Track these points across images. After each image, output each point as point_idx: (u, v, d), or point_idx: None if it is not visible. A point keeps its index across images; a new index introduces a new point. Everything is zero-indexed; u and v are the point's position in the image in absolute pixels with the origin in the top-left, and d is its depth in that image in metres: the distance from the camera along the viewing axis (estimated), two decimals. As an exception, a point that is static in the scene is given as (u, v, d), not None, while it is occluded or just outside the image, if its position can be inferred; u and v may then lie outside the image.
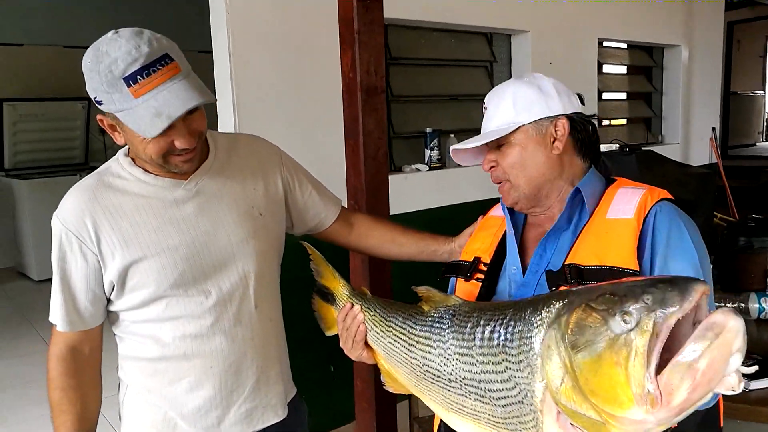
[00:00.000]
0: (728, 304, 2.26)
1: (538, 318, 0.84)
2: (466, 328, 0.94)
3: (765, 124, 9.65)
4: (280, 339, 1.41)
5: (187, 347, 1.25)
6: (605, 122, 4.88)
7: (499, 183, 1.19)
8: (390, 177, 3.13)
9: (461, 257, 1.28)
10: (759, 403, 1.70)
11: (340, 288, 1.27)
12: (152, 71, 1.07)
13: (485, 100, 1.21)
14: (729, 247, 2.62)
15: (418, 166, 3.27)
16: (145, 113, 1.06)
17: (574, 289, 0.87)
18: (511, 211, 1.22)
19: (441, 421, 1.17)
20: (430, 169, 3.28)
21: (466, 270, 1.22)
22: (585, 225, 1.11)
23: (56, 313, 1.22)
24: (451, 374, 0.95)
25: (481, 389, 0.90)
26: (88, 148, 6.24)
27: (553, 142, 1.15)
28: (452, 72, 3.58)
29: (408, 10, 3.08)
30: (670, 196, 1.10)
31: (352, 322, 1.18)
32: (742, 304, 2.26)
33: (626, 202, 1.08)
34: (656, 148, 4.22)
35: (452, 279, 1.27)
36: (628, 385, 0.71)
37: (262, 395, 1.33)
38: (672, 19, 4.86)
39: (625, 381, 0.71)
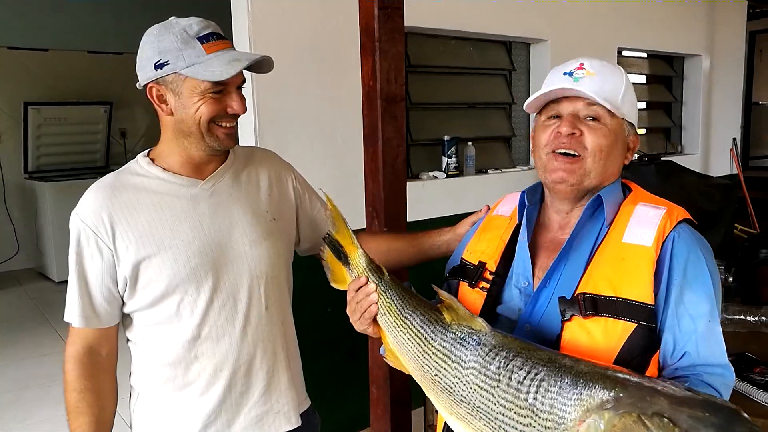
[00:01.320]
0: (749, 317, 2.23)
1: (575, 395, 0.82)
2: (490, 365, 0.92)
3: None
4: (290, 344, 1.42)
5: (198, 349, 1.26)
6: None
7: (563, 154, 1.07)
8: (408, 184, 3.15)
9: (465, 256, 1.23)
10: (780, 418, 1.68)
11: (357, 256, 1.18)
12: (220, 38, 1.21)
13: (586, 61, 1.09)
14: (749, 259, 2.60)
15: (436, 173, 3.27)
16: (218, 62, 1.17)
17: (620, 375, 0.84)
18: (525, 214, 1.15)
19: (445, 425, 1.15)
20: (448, 176, 3.28)
21: (472, 275, 1.17)
22: (600, 244, 1.06)
23: (73, 310, 1.23)
24: (465, 397, 0.94)
25: (496, 423, 0.90)
26: (109, 151, 6.34)
27: (626, 150, 1.13)
28: (471, 80, 3.59)
29: (428, 18, 3.09)
30: (688, 216, 1.06)
31: (364, 298, 1.11)
32: (764, 318, 2.23)
33: (645, 225, 1.03)
34: (676, 159, 4.19)
35: (452, 282, 1.21)
36: None
37: (274, 400, 1.34)
38: (693, 28, 4.83)
39: None
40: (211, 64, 1.17)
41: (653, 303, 0.98)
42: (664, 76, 4.99)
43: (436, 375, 0.99)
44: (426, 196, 3.13)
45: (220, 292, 1.26)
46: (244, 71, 1.23)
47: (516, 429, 0.87)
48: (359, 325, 1.14)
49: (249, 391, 1.31)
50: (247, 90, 2.50)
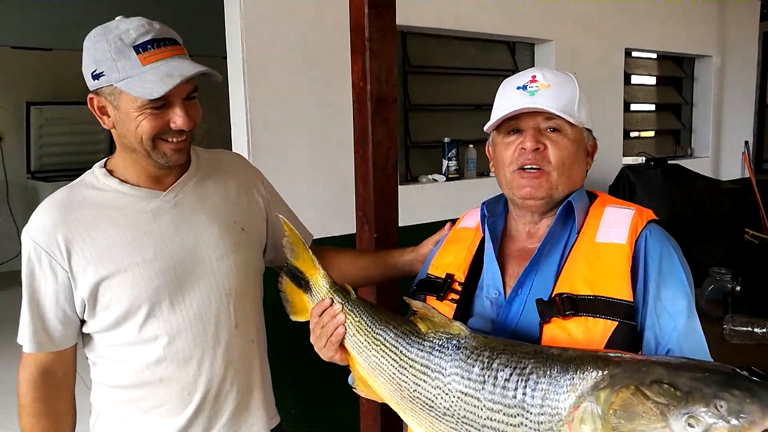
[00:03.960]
0: (756, 329, 2.14)
1: (567, 381, 0.77)
2: (473, 367, 0.87)
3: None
4: (262, 362, 1.34)
5: (163, 372, 1.18)
6: (632, 134, 4.75)
7: (528, 169, 1.06)
8: (406, 187, 3.08)
9: (430, 271, 1.18)
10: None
11: (319, 279, 1.13)
12: (162, 45, 1.09)
13: (539, 73, 1.07)
14: (759, 268, 2.51)
15: (436, 176, 3.20)
16: (153, 77, 1.06)
17: (611, 355, 0.81)
18: (487, 223, 1.13)
19: None
20: (448, 179, 3.21)
21: (439, 288, 1.12)
22: (572, 246, 1.04)
23: (24, 334, 1.16)
24: (447, 409, 0.89)
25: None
26: (112, 151, 6.30)
27: (586, 156, 1.12)
28: (473, 81, 3.51)
29: (428, 18, 3.02)
30: (655, 217, 1.05)
31: (329, 321, 1.06)
32: (772, 329, 2.14)
33: (617, 225, 1.03)
34: (685, 162, 4.09)
35: (419, 297, 1.16)
36: None
37: (242, 421, 1.27)
38: (703, 28, 4.72)
39: None
40: (145, 79, 1.07)
41: (632, 300, 0.96)
42: (674, 77, 4.89)
43: (415, 390, 0.93)
44: (425, 200, 3.06)
45: (185, 312, 1.18)
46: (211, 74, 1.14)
47: (507, 431, 0.81)
48: (325, 352, 1.08)
49: (218, 414, 1.24)
50: (239, 88, 2.46)
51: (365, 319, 1.03)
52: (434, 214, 3.06)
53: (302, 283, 1.15)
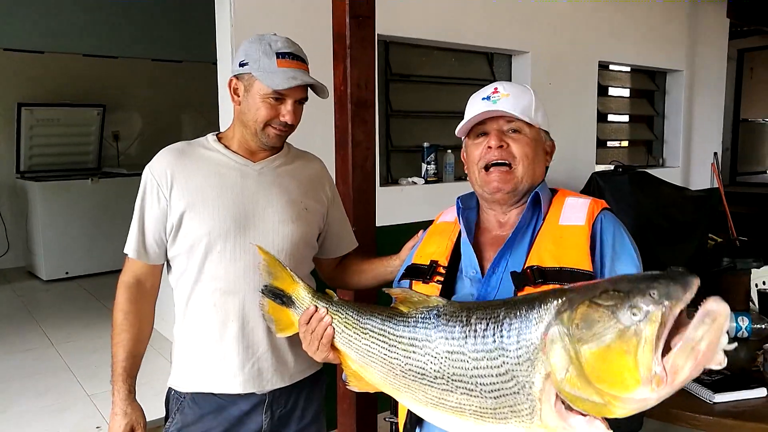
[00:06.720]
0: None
1: (535, 315, 0.90)
2: (455, 327, 0.97)
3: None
4: None
5: (217, 299, 1.46)
6: (609, 144, 4.95)
7: (494, 165, 1.22)
8: (386, 188, 3.21)
9: (415, 260, 1.32)
10: (722, 416, 1.75)
11: (300, 291, 1.29)
12: (295, 59, 1.47)
13: (500, 85, 1.26)
14: (712, 266, 2.67)
15: (415, 179, 3.35)
16: (282, 75, 1.42)
17: (565, 287, 0.95)
18: (462, 215, 1.28)
19: (408, 413, 1.22)
20: (427, 182, 3.36)
21: (426, 273, 1.26)
22: (539, 230, 1.20)
23: (130, 243, 1.48)
24: (437, 372, 0.99)
25: (471, 384, 0.95)
26: (101, 153, 6.39)
27: (545, 154, 1.29)
28: (452, 90, 3.68)
29: (411, 29, 3.18)
30: (608, 206, 1.22)
31: (318, 324, 1.21)
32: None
33: (576, 210, 1.20)
34: (656, 171, 4.28)
35: (405, 282, 1.30)
36: (636, 369, 0.80)
37: (273, 360, 1.49)
38: (675, 45, 4.93)
39: (634, 366, 0.80)
40: (275, 76, 1.41)
41: (591, 270, 1.12)
42: (647, 90, 5.10)
43: (406, 364, 1.04)
44: (404, 201, 3.21)
45: (242, 255, 1.45)
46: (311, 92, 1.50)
47: (492, 376, 0.92)
48: (319, 354, 1.23)
49: (252, 347, 1.47)
50: (227, 97, 2.59)
51: (351, 314, 1.17)
52: (413, 215, 3.20)
53: (284, 300, 1.33)
